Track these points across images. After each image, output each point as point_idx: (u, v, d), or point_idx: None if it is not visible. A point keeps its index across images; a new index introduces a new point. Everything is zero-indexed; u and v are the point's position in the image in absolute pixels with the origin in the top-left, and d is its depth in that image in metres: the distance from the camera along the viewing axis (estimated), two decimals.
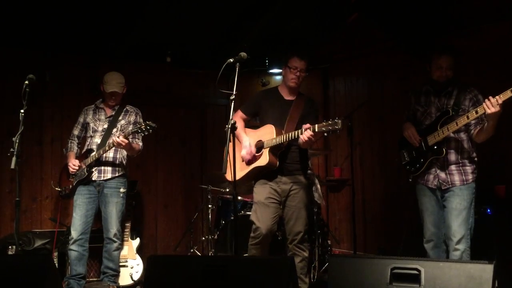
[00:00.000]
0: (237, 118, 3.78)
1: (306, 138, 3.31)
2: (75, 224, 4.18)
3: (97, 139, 4.30)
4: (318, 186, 3.97)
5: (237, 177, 3.62)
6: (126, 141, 4.00)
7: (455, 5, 4.80)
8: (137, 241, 4.92)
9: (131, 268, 4.71)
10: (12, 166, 3.64)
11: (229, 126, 3.02)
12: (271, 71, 6.49)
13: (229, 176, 3.68)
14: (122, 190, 4.31)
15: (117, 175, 4.30)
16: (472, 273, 2.14)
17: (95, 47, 5.48)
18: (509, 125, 4.45)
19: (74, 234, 4.16)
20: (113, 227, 4.26)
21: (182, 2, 5.01)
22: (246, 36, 5.63)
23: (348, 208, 6.03)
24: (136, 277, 4.67)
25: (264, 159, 3.57)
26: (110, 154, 4.27)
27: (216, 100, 6.44)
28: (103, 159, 4.26)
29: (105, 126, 4.34)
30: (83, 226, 4.18)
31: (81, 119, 4.43)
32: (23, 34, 5.04)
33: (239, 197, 4.75)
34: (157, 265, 2.60)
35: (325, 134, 3.25)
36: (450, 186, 3.51)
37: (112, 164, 4.29)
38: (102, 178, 4.25)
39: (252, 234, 3.67)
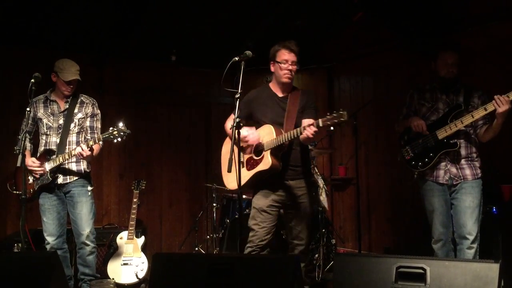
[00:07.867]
0: (230, 122, 3.45)
1: (310, 135, 3.06)
2: (48, 229, 3.91)
3: (55, 138, 3.93)
4: (324, 188, 3.84)
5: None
6: (89, 152, 3.71)
7: (461, 4, 4.78)
8: (142, 239, 4.93)
9: (136, 266, 4.72)
10: (18, 164, 3.66)
11: (234, 125, 2.95)
12: None
13: (229, 185, 3.50)
14: (89, 188, 4.02)
15: (83, 173, 3.99)
16: (478, 272, 2.13)
17: (100, 46, 5.49)
18: None
19: (49, 239, 3.91)
20: (84, 229, 3.93)
21: (188, 1, 5.02)
22: (251, 34, 5.64)
23: (353, 207, 6.02)
24: (141, 275, 4.69)
25: (266, 163, 3.28)
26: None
27: (221, 99, 6.43)
28: (66, 162, 3.93)
29: (61, 121, 3.95)
30: (58, 229, 3.93)
31: (30, 113, 3.90)
32: (29, 33, 5.06)
33: (244, 196, 4.75)
34: (162, 263, 2.60)
35: (331, 128, 2.97)
36: (462, 181, 3.49)
37: (76, 165, 3.97)
38: (68, 181, 3.93)
39: (249, 240, 3.42)
